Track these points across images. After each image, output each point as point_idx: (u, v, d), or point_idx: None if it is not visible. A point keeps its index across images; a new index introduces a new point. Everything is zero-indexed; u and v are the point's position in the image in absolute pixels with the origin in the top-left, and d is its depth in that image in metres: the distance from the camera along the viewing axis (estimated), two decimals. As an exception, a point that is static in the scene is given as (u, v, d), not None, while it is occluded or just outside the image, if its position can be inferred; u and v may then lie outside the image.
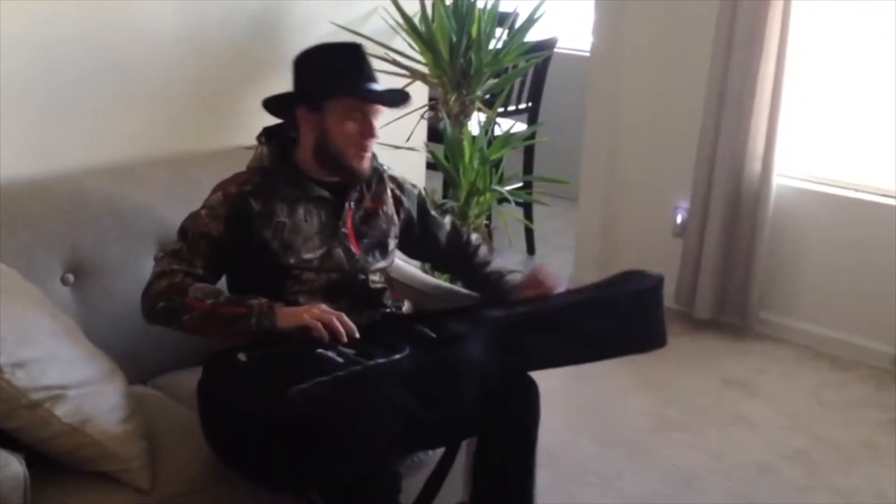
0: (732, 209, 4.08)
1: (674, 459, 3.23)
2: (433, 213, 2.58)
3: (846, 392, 3.74)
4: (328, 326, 2.09)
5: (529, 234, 5.07)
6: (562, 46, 4.99)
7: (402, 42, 3.48)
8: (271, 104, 2.37)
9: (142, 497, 2.01)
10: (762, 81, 3.87)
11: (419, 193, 2.55)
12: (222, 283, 2.33)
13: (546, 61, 4.75)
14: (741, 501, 3.01)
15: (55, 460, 1.99)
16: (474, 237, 2.63)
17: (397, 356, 2.09)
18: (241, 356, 2.10)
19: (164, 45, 2.86)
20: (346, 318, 2.13)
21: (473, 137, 3.55)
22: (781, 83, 3.87)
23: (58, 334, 2.03)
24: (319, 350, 2.07)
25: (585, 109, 4.56)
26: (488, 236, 3.81)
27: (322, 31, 3.31)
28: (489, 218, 3.93)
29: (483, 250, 2.60)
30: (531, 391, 2.27)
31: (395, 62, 3.42)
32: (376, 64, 3.38)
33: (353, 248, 2.33)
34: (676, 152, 4.27)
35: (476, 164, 3.54)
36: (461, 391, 2.12)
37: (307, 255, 2.27)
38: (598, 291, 2.43)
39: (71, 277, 2.41)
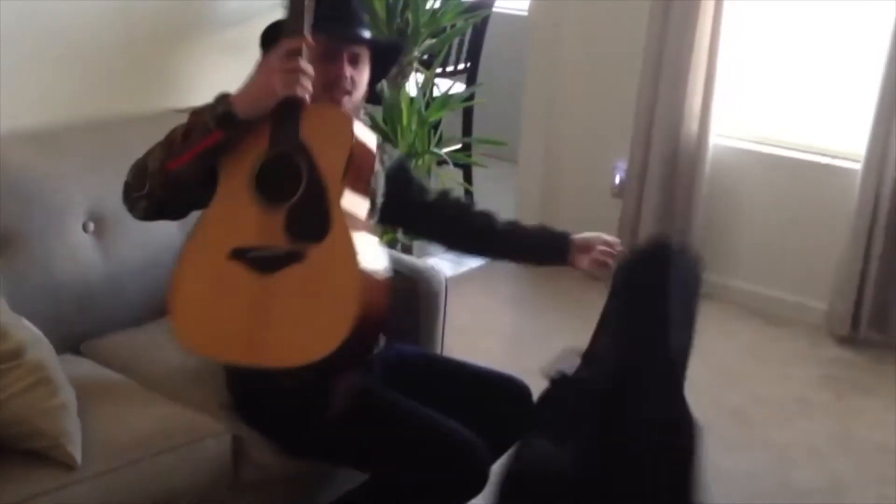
0: (670, 169, 4.10)
1: (612, 419, 3.26)
2: (414, 175, 2.44)
3: (781, 348, 3.80)
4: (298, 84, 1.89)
5: (469, 196, 5.04)
6: (500, 6, 4.95)
7: (337, 2, 3.42)
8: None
9: (72, 474, 1.96)
10: (699, 41, 3.88)
11: (400, 156, 2.44)
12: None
13: (484, 21, 4.71)
14: (678, 459, 3.05)
15: (-19, 439, 1.94)
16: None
17: None
18: None
19: (89, 5, 2.78)
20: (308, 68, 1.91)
21: (411, 99, 3.52)
22: (718, 43, 3.88)
23: (-22, 307, 1.97)
24: None
25: (524, 70, 4.54)
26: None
27: (255, -9, 3.25)
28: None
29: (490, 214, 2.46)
30: None
31: (329, 23, 3.36)
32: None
33: None
34: (615, 113, 4.27)
35: (414, 126, 3.51)
36: None
37: None
38: None
39: (-7, 248, 2.34)
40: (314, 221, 1.93)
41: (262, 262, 1.92)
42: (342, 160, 1.98)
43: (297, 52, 1.89)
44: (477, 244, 2.48)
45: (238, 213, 1.97)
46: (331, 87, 2.08)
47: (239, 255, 1.93)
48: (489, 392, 2.26)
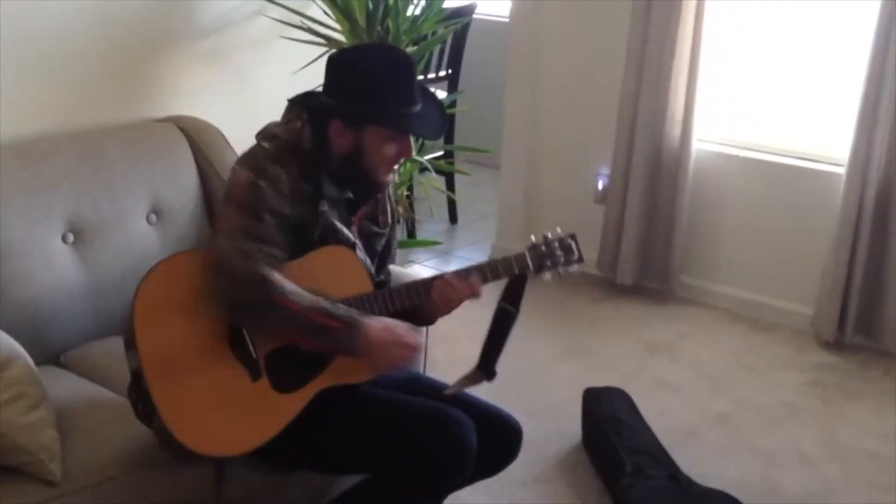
0: (653, 174, 4.09)
1: (599, 426, 3.24)
2: (396, 233, 2.46)
3: (766, 354, 3.79)
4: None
5: (452, 203, 5.04)
6: (481, 13, 4.94)
7: (318, 10, 3.40)
8: (298, 104, 2.19)
9: (52, 489, 1.94)
10: (681, 46, 3.88)
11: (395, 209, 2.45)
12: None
13: (465, 28, 4.70)
14: (666, 466, 3.04)
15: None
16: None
17: None
18: None
19: (67, 11, 2.74)
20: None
21: (393, 106, 3.49)
22: (699, 49, 3.88)
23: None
24: None
25: (506, 77, 4.53)
26: (409, 207, 3.76)
27: (233, 1, 3.23)
28: (410, 188, 3.88)
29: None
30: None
31: (310, 30, 3.34)
32: (291, 32, 3.32)
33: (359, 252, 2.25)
34: (597, 119, 4.26)
35: (396, 133, 3.48)
36: None
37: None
38: None
39: (-28, 259, 2.30)
40: None
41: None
42: None
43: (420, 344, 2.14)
44: None
45: None
46: (399, 158, 2.18)
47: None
48: (481, 427, 2.20)
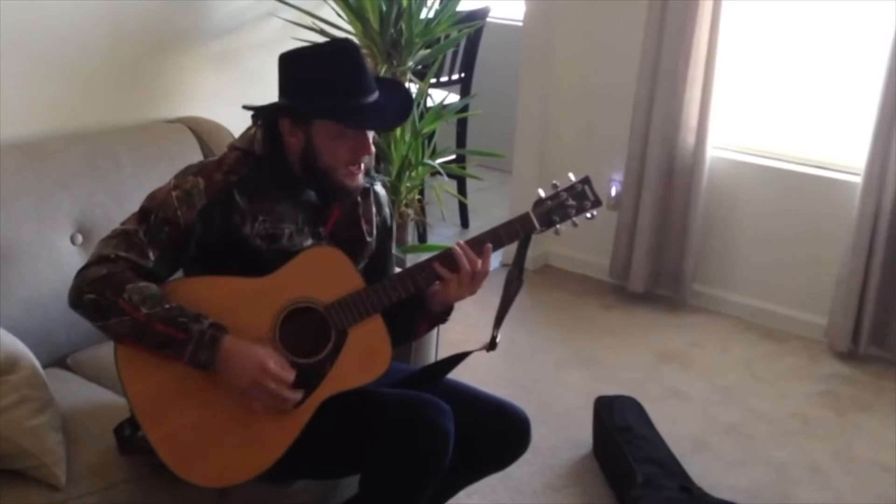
0: (666, 181, 4.06)
1: (609, 435, 3.21)
2: (392, 245, 2.37)
3: (778, 364, 3.76)
4: (271, 399, 1.96)
5: (463, 207, 5.01)
6: (494, 16, 4.92)
7: (330, 11, 3.38)
8: (253, 111, 2.13)
9: (56, 494, 1.92)
10: (696, 52, 3.85)
11: (391, 222, 2.35)
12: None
13: (478, 31, 4.67)
14: (677, 477, 3.00)
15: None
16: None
17: None
18: None
19: (76, 12, 2.73)
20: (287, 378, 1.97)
21: (405, 110, 3.47)
22: (715, 54, 3.85)
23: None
24: None
25: (519, 81, 4.50)
26: (421, 211, 3.74)
27: (245, 1, 3.21)
28: (422, 192, 3.85)
29: None
30: None
31: (322, 32, 3.32)
32: (303, 34, 3.31)
33: None
34: (611, 124, 4.24)
35: (408, 137, 3.46)
36: None
37: (293, 250, 2.08)
38: None
39: (-21, 260, 2.29)
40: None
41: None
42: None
43: (286, 382, 1.96)
44: None
45: None
46: (356, 157, 2.06)
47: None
48: (488, 418, 2.19)
